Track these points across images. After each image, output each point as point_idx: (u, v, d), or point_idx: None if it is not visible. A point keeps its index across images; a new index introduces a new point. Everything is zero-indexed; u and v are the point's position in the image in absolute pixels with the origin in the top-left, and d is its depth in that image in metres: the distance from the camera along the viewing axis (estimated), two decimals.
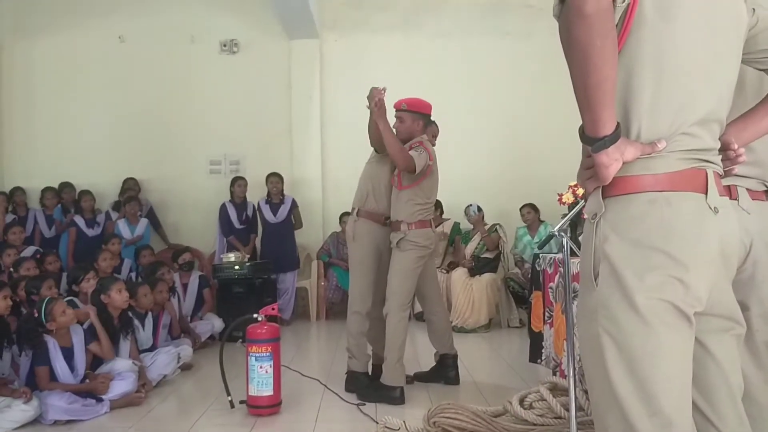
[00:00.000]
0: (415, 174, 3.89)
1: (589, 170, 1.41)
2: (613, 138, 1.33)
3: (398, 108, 4.08)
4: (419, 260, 4.01)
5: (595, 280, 1.39)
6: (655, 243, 1.35)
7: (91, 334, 4.00)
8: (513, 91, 7.54)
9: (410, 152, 3.88)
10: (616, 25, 1.36)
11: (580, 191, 3.91)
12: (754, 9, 1.55)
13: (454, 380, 4.24)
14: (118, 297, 4.18)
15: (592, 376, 1.44)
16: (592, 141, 1.34)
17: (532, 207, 6.92)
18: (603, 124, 1.32)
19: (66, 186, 7.30)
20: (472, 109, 7.60)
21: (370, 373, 4.17)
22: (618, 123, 1.34)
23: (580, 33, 1.26)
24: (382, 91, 3.88)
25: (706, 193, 1.39)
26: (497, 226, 6.83)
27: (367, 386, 4.01)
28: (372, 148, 4.24)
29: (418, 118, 4.05)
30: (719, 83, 1.45)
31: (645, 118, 1.38)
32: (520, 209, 6.97)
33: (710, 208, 1.38)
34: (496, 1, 7.66)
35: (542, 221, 6.89)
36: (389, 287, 3.98)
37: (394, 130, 4.01)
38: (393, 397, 3.83)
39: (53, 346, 3.72)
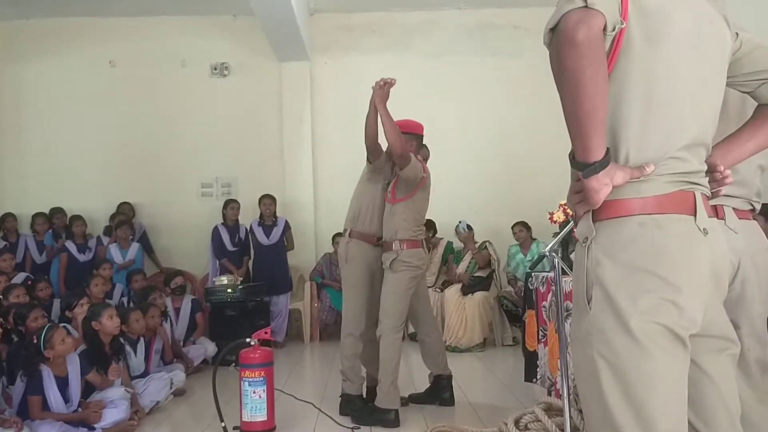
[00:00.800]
0: (410, 177, 3.90)
1: (579, 194, 1.42)
2: (603, 163, 1.34)
3: None
4: (412, 281, 4.01)
5: (589, 304, 1.40)
6: (647, 266, 1.36)
7: (87, 363, 3.97)
8: (503, 110, 7.59)
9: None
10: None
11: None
12: (737, 33, 1.58)
13: (449, 401, 4.22)
14: (109, 323, 4.15)
15: (587, 399, 1.44)
16: (583, 166, 1.36)
17: (524, 225, 6.93)
18: (593, 150, 1.34)
19: (57, 211, 7.28)
20: (462, 129, 7.65)
21: (364, 396, 4.14)
22: (608, 149, 1.36)
23: (571, 61, 1.27)
24: (391, 80, 4.02)
25: (695, 215, 1.40)
26: (487, 243, 6.84)
27: (362, 409, 3.98)
28: (363, 166, 4.27)
29: (410, 139, 4.08)
30: (705, 108, 1.47)
31: (633, 143, 1.40)
32: (512, 227, 6.98)
33: (700, 229, 1.40)
34: (484, 21, 7.74)
35: (534, 239, 6.91)
36: (382, 308, 3.97)
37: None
38: (388, 420, 3.81)
39: (47, 375, 3.68)
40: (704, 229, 1.40)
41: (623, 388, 1.35)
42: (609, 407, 1.35)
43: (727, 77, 1.58)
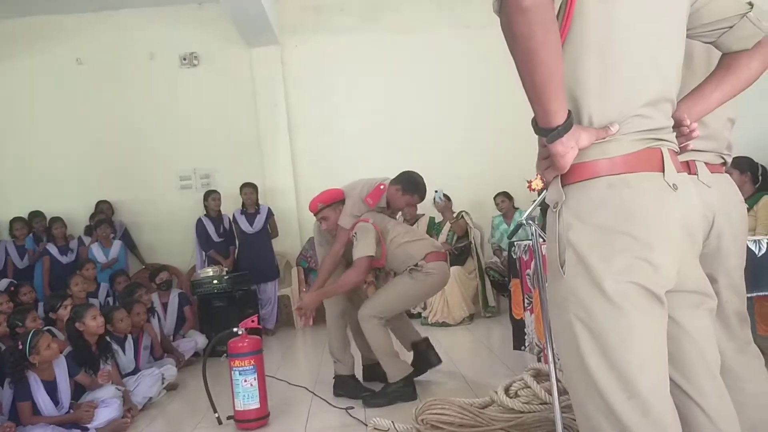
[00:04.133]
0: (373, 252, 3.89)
1: (547, 160, 1.41)
2: (566, 127, 1.33)
3: (317, 211, 4.12)
4: (421, 289, 4.01)
5: (562, 269, 1.39)
6: (618, 226, 1.35)
7: (75, 364, 3.94)
8: (477, 82, 7.55)
9: (354, 251, 3.87)
10: (559, 14, 1.36)
11: None
12: None
13: (436, 360, 4.20)
14: (93, 323, 4.12)
15: (568, 364, 1.44)
16: (546, 132, 1.34)
17: (506, 195, 6.96)
18: (554, 115, 1.32)
19: (36, 215, 7.18)
20: (438, 103, 7.62)
21: (361, 374, 4.18)
22: (569, 111, 1.34)
23: (521, 27, 1.25)
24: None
25: (663, 171, 1.40)
26: (463, 213, 6.86)
27: (356, 388, 4.03)
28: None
29: (336, 206, 4.09)
30: (666, 63, 1.46)
31: (595, 105, 1.39)
32: (495, 198, 7.02)
33: (669, 185, 1.39)
34: None
35: (517, 208, 6.94)
36: (381, 298, 3.97)
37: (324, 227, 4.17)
38: (405, 391, 3.84)
39: (34, 380, 3.66)
40: (673, 184, 1.39)
41: (602, 349, 1.35)
42: (589, 369, 1.35)
43: (688, 29, 1.56)
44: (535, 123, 1.37)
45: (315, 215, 4.17)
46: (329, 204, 4.09)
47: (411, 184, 4.07)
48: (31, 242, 7.07)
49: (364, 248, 3.84)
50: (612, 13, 1.38)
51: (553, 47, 1.27)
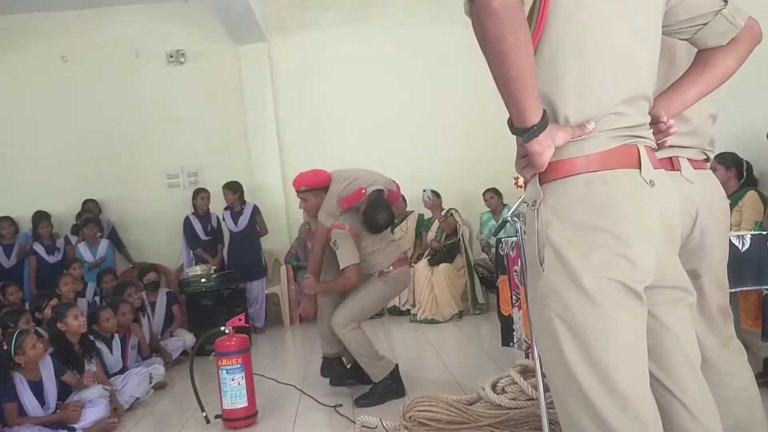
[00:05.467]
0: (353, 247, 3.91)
1: (524, 159, 1.41)
2: (542, 126, 1.33)
3: (299, 190, 4.09)
4: (391, 293, 4.11)
5: (542, 266, 1.40)
6: (595, 223, 1.36)
7: (61, 364, 3.92)
8: (465, 77, 7.49)
9: (340, 258, 3.86)
10: (533, 15, 1.37)
11: None
12: None
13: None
14: (74, 323, 4.08)
15: (548, 360, 1.45)
16: (522, 131, 1.35)
17: (495, 191, 6.97)
18: (529, 114, 1.33)
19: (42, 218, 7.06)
20: (427, 98, 7.61)
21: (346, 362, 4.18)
22: (544, 110, 1.35)
23: (491, 29, 1.26)
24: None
25: (640, 168, 1.40)
26: (453, 210, 6.88)
27: (341, 374, 4.07)
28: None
29: (319, 193, 4.04)
30: (642, 60, 1.47)
31: (571, 103, 1.39)
32: (483, 194, 7.02)
33: (646, 182, 1.40)
34: None
35: (505, 205, 6.95)
36: (354, 303, 3.94)
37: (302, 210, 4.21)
38: (391, 388, 3.85)
39: (20, 381, 3.64)
40: (650, 181, 1.40)
41: (581, 346, 1.35)
42: (569, 365, 1.36)
43: (664, 26, 1.57)
44: (510, 123, 1.38)
45: (297, 193, 4.14)
46: (311, 189, 4.05)
47: (370, 216, 3.91)
48: (26, 238, 7.01)
49: (349, 257, 3.86)
50: (587, 11, 1.38)
51: (524, 48, 1.28)
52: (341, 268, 3.89)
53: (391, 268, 3.99)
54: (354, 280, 3.89)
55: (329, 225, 3.96)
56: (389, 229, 4.18)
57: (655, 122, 1.54)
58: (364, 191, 3.96)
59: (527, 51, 1.29)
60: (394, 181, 4.21)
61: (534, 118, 1.33)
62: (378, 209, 3.90)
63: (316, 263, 4.10)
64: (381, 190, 4.00)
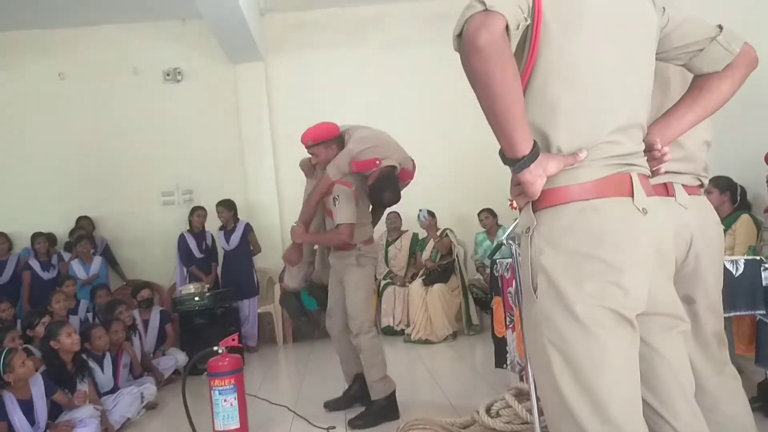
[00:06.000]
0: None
1: (518, 186, 1.43)
2: (532, 156, 1.35)
3: (306, 146, 4.02)
4: (374, 273, 4.09)
5: (535, 293, 1.41)
6: (588, 250, 1.37)
7: (52, 383, 3.88)
8: (461, 99, 7.37)
9: (337, 214, 3.84)
10: (524, 46, 1.39)
11: None
12: (664, 8, 1.59)
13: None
14: (67, 341, 4.05)
15: (542, 386, 1.45)
16: (513, 162, 1.37)
17: (490, 212, 6.97)
18: (519, 145, 1.35)
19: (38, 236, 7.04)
20: (422, 119, 7.62)
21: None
22: (535, 141, 1.36)
23: (478, 65, 1.29)
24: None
25: (633, 196, 1.41)
26: (448, 231, 6.87)
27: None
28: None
29: (329, 144, 3.97)
30: (635, 88, 1.48)
31: (563, 133, 1.41)
32: (478, 214, 7.02)
33: (639, 209, 1.41)
34: (437, 12, 7.68)
35: (500, 225, 6.94)
36: (354, 306, 3.91)
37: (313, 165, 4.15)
38: (385, 412, 3.82)
39: (9, 400, 3.60)
40: (643, 209, 1.41)
41: (574, 373, 1.36)
42: (562, 393, 1.36)
43: (659, 52, 1.59)
44: (502, 154, 1.39)
45: (307, 149, 4.05)
46: (319, 142, 3.97)
47: (377, 191, 3.89)
48: (27, 253, 6.98)
49: (347, 215, 3.83)
50: (577, 42, 1.40)
51: (510, 82, 1.30)
52: (336, 223, 3.86)
53: (363, 244, 3.96)
54: (345, 237, 3.84)
55: (335, 180, 3.88)
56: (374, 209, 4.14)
57: (649, 150, 1.56)
58: (378, 162, 3.88)
59: (514, 85, 1.31)
60: (411, 159, 4.15)
61: (524, 149, 1.34)
62: (387, 186, 3.86)
63: (309, 213, 4.03)
64: (394, 167, 3.95)
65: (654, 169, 1.56)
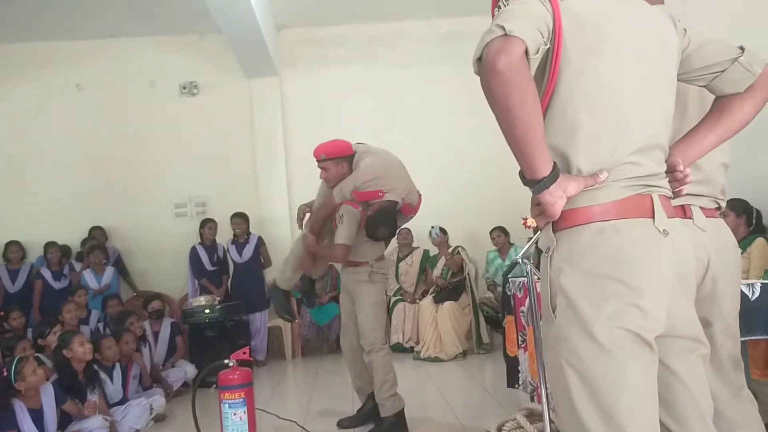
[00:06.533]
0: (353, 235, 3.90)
1: (538, 207, 1.43)
2: (552, 178, 1.36)
3: (319, 159, 4.04)
4: (385, 290, 4.10)
5: (554, 313, 1.41)
6: (607, 272, 1.36)
7: (62, 392, 3.89)
8: (476, 117, 7.45)
9: (338, 233, 3.87)
10: (545, 69, 1.40)
11: None
12: (685, 30, 1.60)
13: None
14: (80, 350, 4.07)
15: (560, 406, 1.44)
16: (533, 184, 1.38)
17: (502, 230, 6.96)
18: (539, 167, 1.35)
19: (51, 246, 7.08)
20: (435, 137, 7.65)
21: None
22: (555, 162, 1.37)
23: (497, 89, 1.30)
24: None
25: (654, 218, 1.41)
26: (459, 248, 6.85)
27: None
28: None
29: (340, 162, 3.99)
30: (655, 110, 1.48)
31: (583, 155, 1.42)
32: (490, 233, 7.02)
33: (659, 231, 1.40)
34: (452, 30, 7.75)
35: (512, 244, 6.93)
36: (366, 323, 3.91)
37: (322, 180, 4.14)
38: (396, 429, 3.83)
39: (20, 408, 3.60)
40: (664, 230, 1.41)
41: (591, 394, 1.35)
42: (579, 413, 1.36)
43: (680, 74, 1.59)
44: (522, 175, 1.40)
45: (318, 163, 4.06)
46: (331, 158, 3.99)
47: (372, 225, 3.87)
48: (41, 262, 7.03)
49: (345, 236, 3.86)
50: (598, 65, 1.41)
51: (530, 105, 1.31)
52: (335, 242, 3.91)
53: (375, 261, 3.99)
54: (339, 258, 3.95)
55: (339, 201, 3.92)
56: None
57: (671, 171, 1.55)
58: (381, 194, 3.90)
59: (533, 108, 1.32)
60: (418, 192, 4.14)
61: (544, 170, 1.35)
62: (382, 222, 3.87)
63: (318, 226, 4.07)
64: (396, 202, 3.96)
65: (676, 190, 1.56)
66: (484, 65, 1.31)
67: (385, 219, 3.88)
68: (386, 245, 4.23)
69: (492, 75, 1.29)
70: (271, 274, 7.19)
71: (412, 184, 4.09)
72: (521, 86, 1.29)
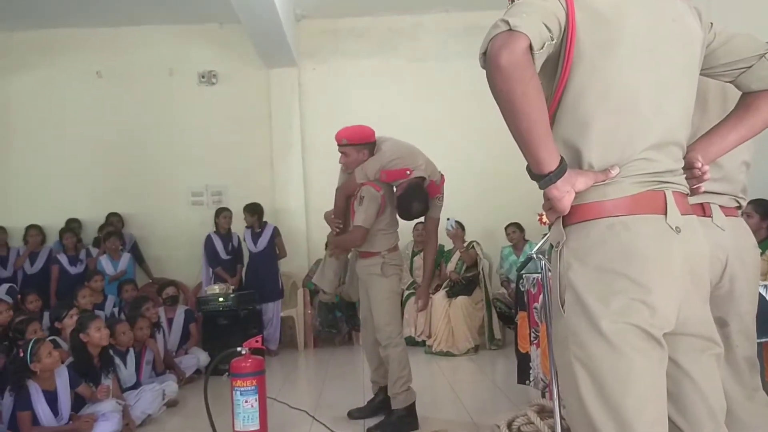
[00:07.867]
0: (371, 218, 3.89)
1: (548, 201, 1.42)
2: (559, 173, 1.35)
3: (340, 143, 4.02)
4: (399, 282, 4.05)
5: (563, 308, 1.41)
6: (616, 267, 1.36)
7: (77, 375, 3.93)
8: (493, 112, 7.42)
9: (356, 215, 3.87)
10: (558, 63, 1.40)
11: None
12: (711, 24, 1.58)
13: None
14: (97, 335, 4.11)
15: (569, 402, 1.45)
16: (539, 178, 1.37)
17: (517, 226, 6.93)
18: (545, 162, 1.35)
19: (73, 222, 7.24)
20: (451, 131, 7.62)
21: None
22: (562, 157, 1.36)
23: (501, 84, 1.30)
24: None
25: (666, 214, 1.39)
26: (474, 243, 6.83)
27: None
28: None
29: (361, 149, 3.98)
30: (672, 107, 1.46)
31: (595, 150, 1.41)
32: (505, 228, 6.99)
33: (672, 228, 1.39)
34: (471, 24, 7.70)
35: (527, 240, 6.90)
36: (381, 317, 3.91)
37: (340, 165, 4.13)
38: (404, 423, 3.82)
39: (35, 390, 3.65)
40: (676, 227, 1.39)
41: (599, 389, 1.35)
42: (587, 408, 1.36)
43: (705, 69, 1.58)
44: (529, 170, 1.40)
45: (339, 147, 4.05)
46: (353, 143, 3.98)
47: (405, 202, 3.91)
48: (58, 246, 7.10)
49: (364, 218, 3.85)
50: (612, 60, 1.40)
51: (534, 100, 1.30)
52: (353, 224, 3.90)
53: (387, 252, 3.96)
54: (357, 241, 3.91)
55: (362, 182, 3.90)
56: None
57: (689, 167, 1.54)
58: (409, 173, 3.90)
59: (537, 103, 1.32)
60: (440, 173, 4.14)
61: (550, 165, 1.35)
62: (415, 197, 3.88)
63: (339, 208, 4.08)
64: (423, 178, 3.96)
65: (694, 187, 1.54)
66: (487, 60, 1.31)
67: (417, 194, 3.89)
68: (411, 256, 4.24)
69: (495, 70, 1.29)
70: (285, 265, 7.24)
71: (433, 164, 4.10)
72: (524, 81, 1.29)
